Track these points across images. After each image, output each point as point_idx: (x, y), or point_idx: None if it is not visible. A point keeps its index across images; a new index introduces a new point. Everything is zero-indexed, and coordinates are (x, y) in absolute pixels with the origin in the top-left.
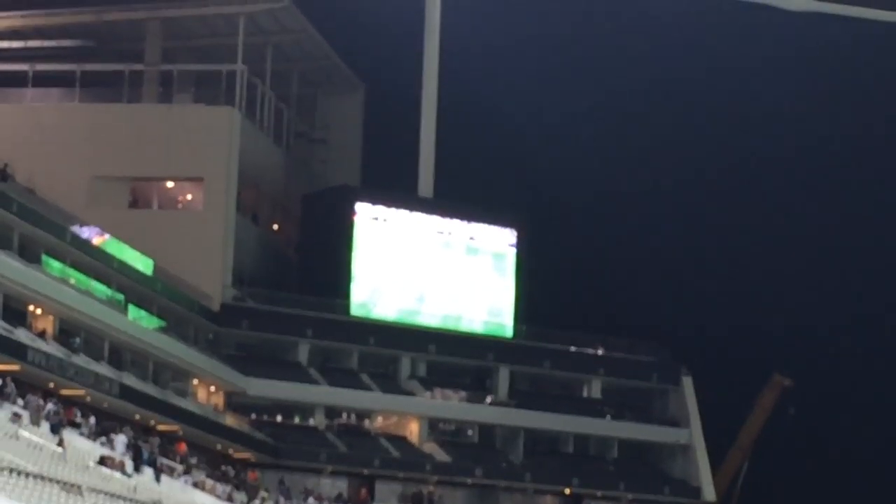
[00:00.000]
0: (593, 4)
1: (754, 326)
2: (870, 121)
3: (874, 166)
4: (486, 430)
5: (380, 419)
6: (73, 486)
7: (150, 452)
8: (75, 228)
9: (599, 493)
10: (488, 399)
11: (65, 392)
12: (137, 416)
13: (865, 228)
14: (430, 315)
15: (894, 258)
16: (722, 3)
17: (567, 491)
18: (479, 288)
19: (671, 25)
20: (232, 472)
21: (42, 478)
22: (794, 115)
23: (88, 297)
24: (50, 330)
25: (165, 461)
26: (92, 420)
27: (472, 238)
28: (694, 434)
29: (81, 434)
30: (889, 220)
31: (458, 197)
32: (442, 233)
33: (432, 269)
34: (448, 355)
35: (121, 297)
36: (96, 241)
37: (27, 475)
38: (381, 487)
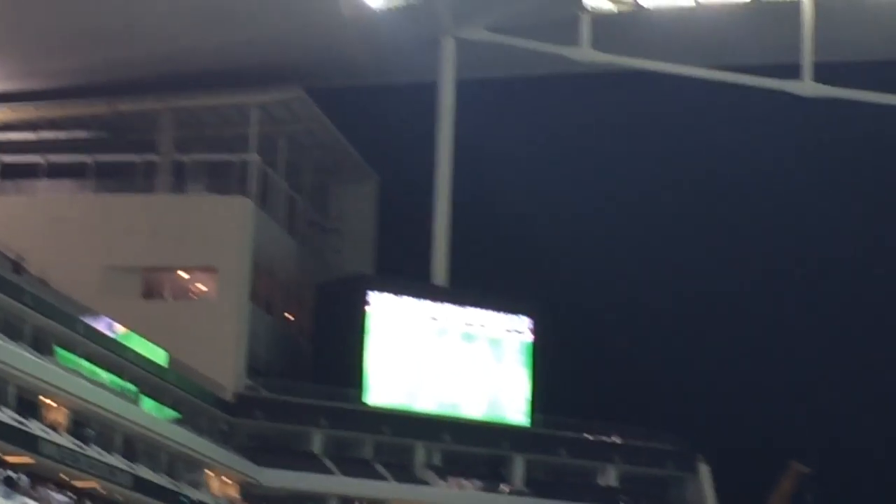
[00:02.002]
0: (605, 97)
1: (770, 413)
2: (882, 207)
3: (888, 254)
4: None
5: None
6: None
7: None
8: (88, 319)
9: None
10: (504, 488)
11: (78, 484)
12: None
13: (880, 315)
14: (445, 404)
15: None
16: (733, 92)
17: None
18: (493, 376)
19: (682, 115)
20: None
21: None
22: (808, 202)
23: (101, 388)
24: (62, 421)
25: None
26: None
27: (486, 327)
28: None
29: None
30: None
31: (472, 286)
32: (457, 323)
33: (447, 357)
34: (463, 444)
35: (133, 388)
36: (111, 332)
37: None
38: None
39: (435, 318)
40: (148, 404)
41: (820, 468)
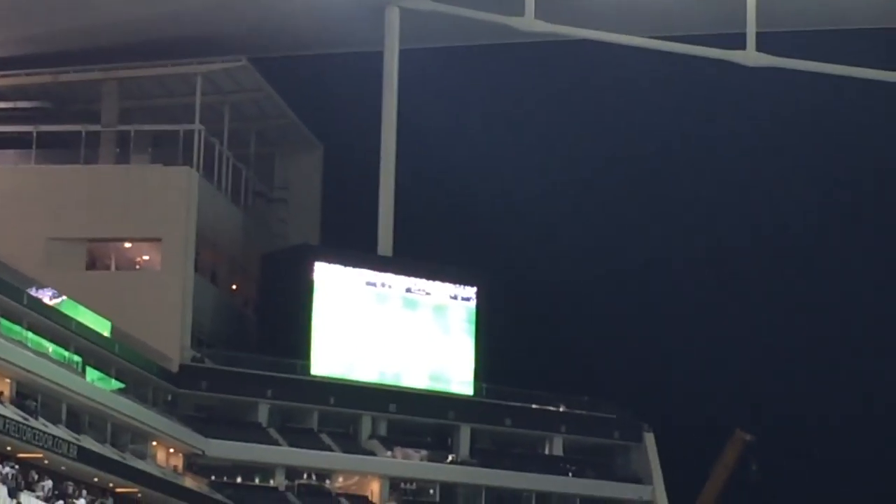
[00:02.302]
0: (549, 67)
1: (715, 382)
2: (827, 175)
3: (832, 224)
4: (447, 488)
5: (341, 479)
6: None
7: None
8: (32, 291)
9: None
10: (449, 458)
11: (22, 455)
12: (96, 479)
13: (822, 284)
14: (390, 374)
15: (852, 312)
16: (677, 62)
17: None
18: (439, 346)
19: (627, 85)
20: None
21: None
22: (752, 171)
23: (46, 359)
24: (7, 393)
25: None
26: (50, 483)
27: (431, 296)
28: (656, 491)
29: (39, 497)
30: (847, 274)
31: (418, 255)
32: (402, 291)
33: (392, 327)
34: (408, 414)
35: (78, 359)
36: (52, 302)
37: None
38: None
39: (380, 288)
40: (93, 375)
41: (764, 436)
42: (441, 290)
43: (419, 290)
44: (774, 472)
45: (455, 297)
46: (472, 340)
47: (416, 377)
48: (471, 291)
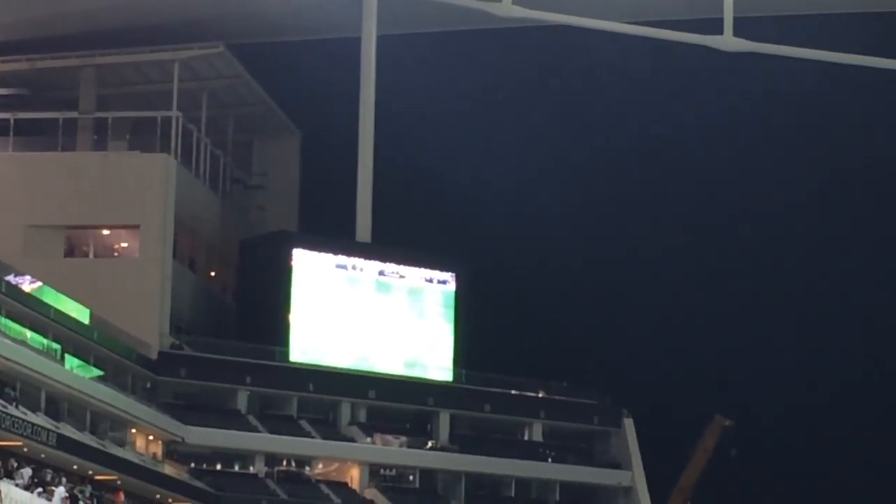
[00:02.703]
0: (527, 53)
1: (694, 368)
2: (805, 161)
3: (809, 208)
4: (427, 474)
5: (320, 466)
6: None
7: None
8: (10, 278)
9: None
10: (429, 444)
11: (1, 443)
12: (75, 467)
13: (801, 268)
14: (370, 360)
15: (831, 298)
16: (655, 47)
17: None
18: (417, 332)
19: (605, 71)
20: None
21: None
22: (731, 157)
23: (24, 346)
24: None
25: None
26: (29, 471)
27: (410, 282)
28: (636, 476)
29: (18, 485)
30: (827, 261)
31: (396, 242)
32: (380, 277)
33: (371, 314)
34: (388, 400)
35: (57, 346)
36: (28, 288)
37: None
38: None
39: (358, 275)
40: (71, 363)
41: (743, 421)
42: (419, 276)
43: (397, 276)
44: (753, 458)
45: (433, 283)
46: (450, 326)
47: (395, 363)
48: (449, 277)
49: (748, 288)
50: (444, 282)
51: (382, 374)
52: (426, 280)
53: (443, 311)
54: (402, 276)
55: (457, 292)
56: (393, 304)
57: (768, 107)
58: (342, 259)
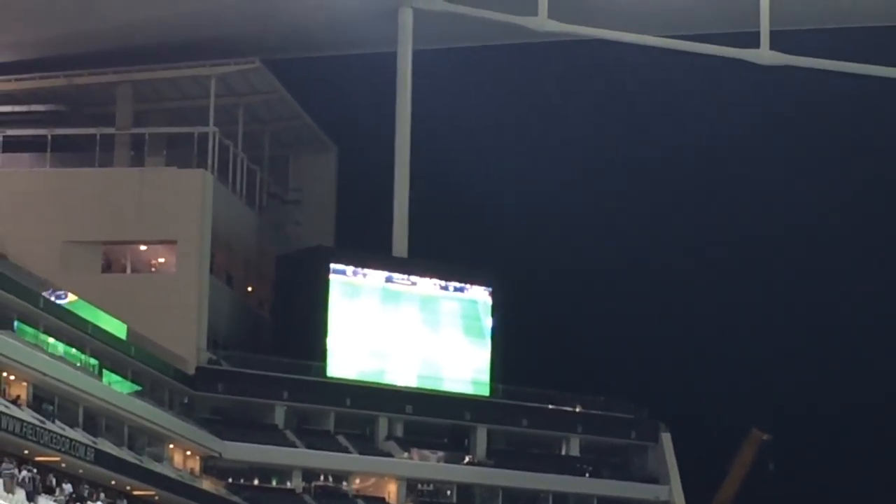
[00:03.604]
0: (563, 67)
1: (732, 381)
2: (841, 174)
3: (847, 223)
4: (464, 489)
5: (357, 481)
6: None
7: None
8: (48, 294)
9: None
10: (466, 459)
11: (40, 459)
12: (113, 482)
13: (841, 283)
14: (407, 375)
15: (870, 309)
16: (691, 61)
17: None
18: (454, 347)
19: (641, 85)
20: None
21: None
22: (767, 170)
23: (62, 362)
24: (24, 396)
25: None
26: (68, 486)
27: (445, 296)
28: (673, 490)
29: (57, 501)
30: (866, 271)
31: (432, 256)
32: (416, 292)
33: (407, 328)
34: (425, 415)
35: (95, 362)
36: (68, 305)
37: None
38: None
39: (395, 289)
40: (109, 378)
41: (781, 435)
42: (455, 290)
43: (433, 290)
44: (791, 472)
45: (469, 297)
46: (487, 341)
47: (431, 378)
48: (486, 292)
49: (786, 300)
50: (480, 296)
51: (419, 388)
52: (462, 294)
53: (480, 325)
54: (438, 291)
55: (493, 306)
56: (429, 318)
57: (803, 118)
58: (378, 274)
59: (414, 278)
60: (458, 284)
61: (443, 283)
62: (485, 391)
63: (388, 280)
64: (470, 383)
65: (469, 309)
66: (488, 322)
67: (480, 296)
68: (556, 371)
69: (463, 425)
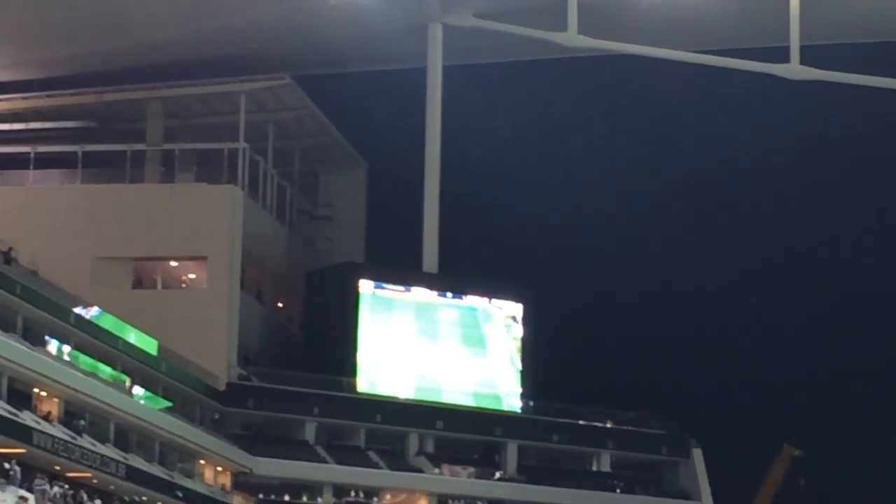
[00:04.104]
0: (593, 82)
1: (764, 397)
2: (872, 190)
3: (878, 239)
4: None
5: (388, 496)
6: None
7: None
8: (79, 310)
9: None
10: (497, 474)
11: (71, 474)
12: (144, 498)
13: (874, 301)
14: (437, 390)
15: None
16: (721, 76)
17: None
18: (485, 362)
19: (670, 99)
20: None
21: None
22: (797, 186)
23: (93, 378)
24: (55, 412)
25: None
26: (99, 502)
27: (476, 312)
28: None
29: None
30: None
31: (463, 272)
32: (447, 308)
33: (438, 344)
34: (456, 431)
35: (126, 377)
36: (98, 321)
37: None
38: None
39: (425, 305)
40: (140, 394)
41: (813, 451)
42: (486, 306)
43: (464, 306)
44: (823, 488)
45: (500, 313)
46: (518, 356)
47: (462, 394)
48: (517, 307)
49: (818, 316)
50: (511, 311)
51: (450, 404)
52: (493, 310)
53: (510, 340)
54: (468, 307)
55: (524, 323)
56: (460, 333)
57: (834, 134)
58: (409, 290)
59: (443, 293)
60: (487, 300)
61: (472, 298)
62: (516, 407)
63: (418, 296)
64: (501, 398)
65: (499, 324)
66: (518, 337)
67: (511, 311)
68: (587, 387)
69: (494, 441)
